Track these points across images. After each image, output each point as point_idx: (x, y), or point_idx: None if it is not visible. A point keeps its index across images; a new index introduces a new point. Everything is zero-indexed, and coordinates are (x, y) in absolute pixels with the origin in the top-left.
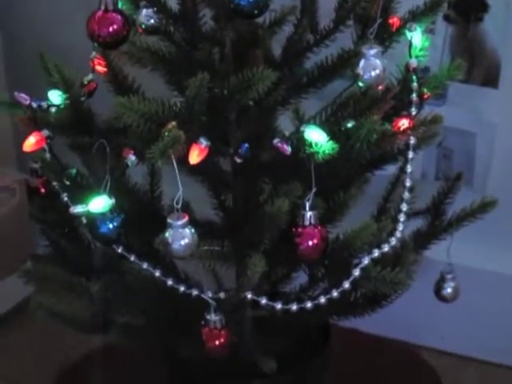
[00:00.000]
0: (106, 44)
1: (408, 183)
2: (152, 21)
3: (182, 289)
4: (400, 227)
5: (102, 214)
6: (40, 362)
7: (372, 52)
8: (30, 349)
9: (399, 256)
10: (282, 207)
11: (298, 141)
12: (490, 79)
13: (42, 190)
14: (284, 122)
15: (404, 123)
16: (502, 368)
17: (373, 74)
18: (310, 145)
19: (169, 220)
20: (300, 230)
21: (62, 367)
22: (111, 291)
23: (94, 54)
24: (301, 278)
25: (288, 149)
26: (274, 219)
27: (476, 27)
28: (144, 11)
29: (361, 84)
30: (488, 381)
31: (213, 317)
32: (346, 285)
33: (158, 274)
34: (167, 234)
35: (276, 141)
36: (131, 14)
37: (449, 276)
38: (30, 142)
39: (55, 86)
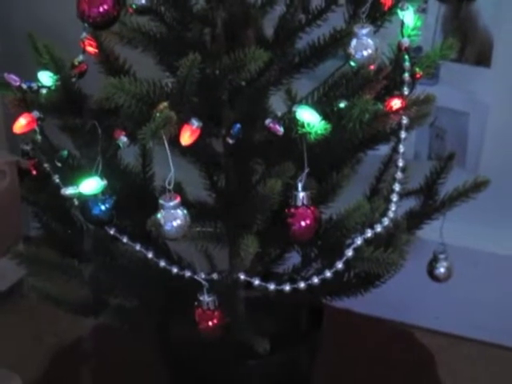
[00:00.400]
0: (96, 24)
1: (400, 163)
2: (143, 1)
3: (174, 270)
4: (393, 207)
5: (94, 196)
6: (33, 344)
7: (364, 31)
8: (22, 331)
9: (392, 236)
10: (274, 188)
11: (291, 121)
12: (483, 58)
13: (34, 172)
14: (276, 103)
15: (396, 103)
16: (496, 347)
17: (365, 53)
18: (303, 125)
19: (161, 201)
20: (293, 210)
21: (54, 350)
22: (103, 273)
23: (84, 34)
24: (294, 258)
25: (280, 129)
26: (266, 200)
27: (468, 6)
28: None
29: (353, 64)
30: (481, 360)
31: (206, 298)
32: (339, 265)
33: (150, 255)
34: (159, 216)
35: (268, 121)
36: None
37: (442, 256)
38: (21, 124)
39: (45, 67)
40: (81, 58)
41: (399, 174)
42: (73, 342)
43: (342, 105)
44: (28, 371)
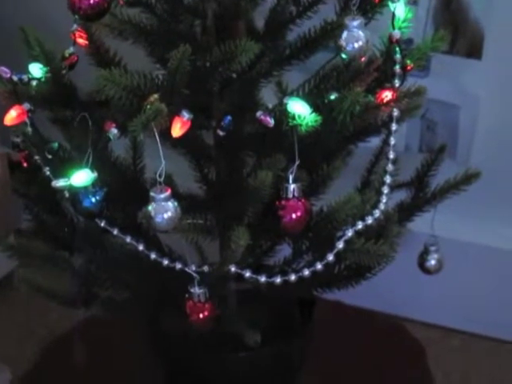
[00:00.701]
0: (86, 16)
1: (391, 155)
2: None
3: (165, 262)
4: (383, 199)
5: (85, 188)
6: (23, 336)
7: (355, 23)
8: (13, 323)
9: (383, 228)
10: (265, 180)
11: (281, 113)
12: (474, 51)
13: (24, 164)
14: (267, 95)
15: (387, 95)
16: (487, 340)
17: (356, 45)
18: (293, 117)
19: (151, 193)
20: (283, 202)
21: (45, 341)
22: (94, 265)
23: (75, 26)
24: (285, 250)
25: (271, 121)
26: (257, 192)
27: None
28: None
29: (344, 56)
30: (473, 353)
31: (196, 290)
32: (330, 257)
33: (141, 247)
34: (150, 208)
35: (259, 113)
36: None
37: (432, 248)
38: (11, 116)
39: (36, 59)
40: (71, 49)
41: (390, 167)
42: (64, 333)
43: (332, 97)
44: (18, 363)
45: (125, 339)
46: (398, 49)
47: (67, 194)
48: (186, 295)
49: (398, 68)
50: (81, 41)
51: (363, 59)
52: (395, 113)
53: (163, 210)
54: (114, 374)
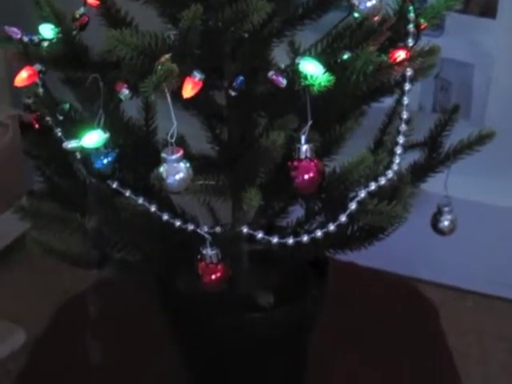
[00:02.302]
0: None
1: (405, 115)
2: None
3: (177, 223)
4: (397, 160)
5: (96, 149)
6: (38, 297)
7: None
8: (27, 285)
9: (396, 189)
10: (277, 140)
11: (294, 73)
12: (488, 9)
13: (36, 126)
14: (279, 55)
15: (400, 54)
16: (501, 301)
17: (368, 4)
18: (306, 77)
19: (163, 154)
20: (296, 163)
21: (59, 302)
22: (106, 227)
23: None
24: (297, 211)
25: (283, 81)
26: (269, 152)
27: None
28: None
29: (356, 15)
30: (486, 313)
31: (209, 251)
32: (343, 218)
33: (153, 209)
34: (162, 169)
35: (271, 73)
36: None
37: (446, 209)
38: (22, 77)
39: (47, 20)
40: (82, 10)
41: (403, 127)
42: (77, 294)
43: (345, 56)
44: (32, 324)
45: (137, 301)
46: (411, 7)
47: (79, 156)
48: (198, 256)
49: (411, 27)
50: (91, 1)
51: (376, 18)
52: (409, 72)
53: (175, 171)
54: (127, 336)
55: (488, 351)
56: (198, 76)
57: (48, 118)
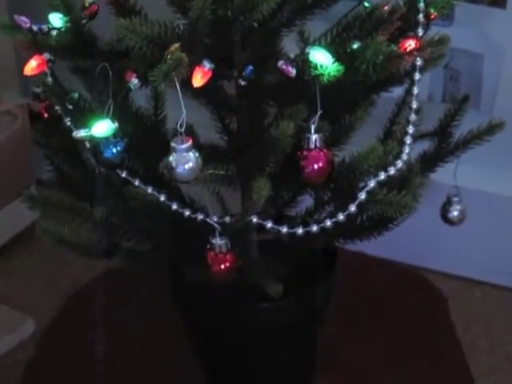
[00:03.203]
0: None
1: (414, 105)
2: None
3: (186, 213)
4: (406, 150)
5: (106, 139)
6: (47, 287)
7: None
8: (37, 273)
9: (405, 179)
10: (286, 130)
11: (303, 63)
12: None
13: (45, 115)
14: (289, 44)
15: (410, 44)
16: (509, 291)
17: None
18: (315, 67)
19: (172, 144)
20: (305, 153)
21: (68, 292)
22: (115, 216)
23: None
24: (307, 201)
25: (293, 71)
26: (278, 142)
27: None
28: None
29: (366, 4)
30: (495, 304)
31: (218, 241)
32: (352, 208)
33: (162, 198)
34: (171, 158)
35: (281, 63)
36: None
37: (455, 199)
38: (31, 66)
39: (56, 9)
40: None
41: (413, 116)
42: (86, 284)
43: (355, 46)
44: (42, 314)
45: (146, 290)
46: None
47: (88, 145)
48: (208, 246)
49: (421, 17)
50: None
51: (386, 8)
52: (418, 62)
53: (184, 160)
54: (135, 325)
55: (496, 342)
56: (207, 65)
57: (57, 107)
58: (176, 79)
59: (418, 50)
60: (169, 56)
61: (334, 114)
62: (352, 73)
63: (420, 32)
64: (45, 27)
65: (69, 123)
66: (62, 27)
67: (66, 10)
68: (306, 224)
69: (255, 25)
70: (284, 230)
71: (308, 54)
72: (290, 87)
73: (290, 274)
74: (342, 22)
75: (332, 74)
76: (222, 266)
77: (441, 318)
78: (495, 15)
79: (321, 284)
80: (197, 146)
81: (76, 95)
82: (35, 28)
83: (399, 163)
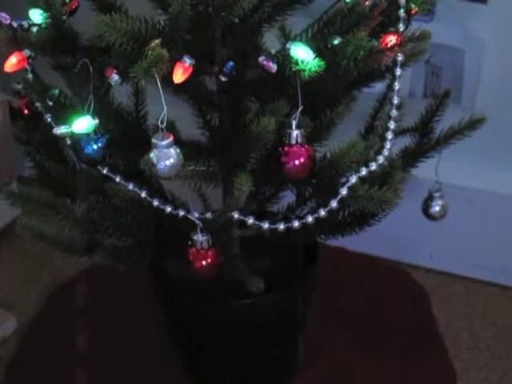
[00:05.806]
0: None
1: (395, 101)
2: None
3: (168, 209)
4: (388, 145)
5: (86, 135)
6: (28, 284)
7: None
8: (18, 271)
9: (387, 174)
10: (267, 126)
11: (284, 58)
12: None
13: (25, 111)
14: (270, 40)
15: (391, 40)
16: (490, 286)
17: None
18: (296, 62)
19: (153, 140)
20: (286, 148)
21: (49, 289)
22: (97, 213)
23: None
24: (288, 197)
25: (274, 66)
26: (260, 138)
27: None
28: None
29: (348, 0)
30: (476, 299)
31: (199, 237)
32: (334, 204)
33: (143, 194)
34: (152, 155)
35: (262, 58)
36: None
37: (437, 194)
38: (11, 63)
39: (36, 5)
40: None
41: (394, 112)
42: (68, 281)
43: (336, 42)
44: (23, 311)
45: (127, 287)
46: None
47: (69, 141)
48: (189, 242)
49: (402, 12)
50: None
51: (367, 3)
52: (399, 57)
53: (165, 156)
54: (117, 322)
55: (478, 336)
56: (188, 61)
57: (37, 104)
58: (157, 75)
59: (399, 45)
60: (149, 52)
61: (315, 110)
62: (333, 68)
63: (401, 27)
64: (25, 23)
65: (49, 120)
66: (42, 23)
67: (47, 6)
68: (287, 220)
69: (236, 20)
70: (266, 225)
71: (289, 49)
72: (271, 83)
73: (271, 270)
74: (323, 18)
75: (313, 69)
76: (204, 263)
77: (423, 313)
78: (476, 10)
79: (302, 279)
80: (178, 142)
81: (57, 91)
82: (15, 24)
83: (380, 158)
